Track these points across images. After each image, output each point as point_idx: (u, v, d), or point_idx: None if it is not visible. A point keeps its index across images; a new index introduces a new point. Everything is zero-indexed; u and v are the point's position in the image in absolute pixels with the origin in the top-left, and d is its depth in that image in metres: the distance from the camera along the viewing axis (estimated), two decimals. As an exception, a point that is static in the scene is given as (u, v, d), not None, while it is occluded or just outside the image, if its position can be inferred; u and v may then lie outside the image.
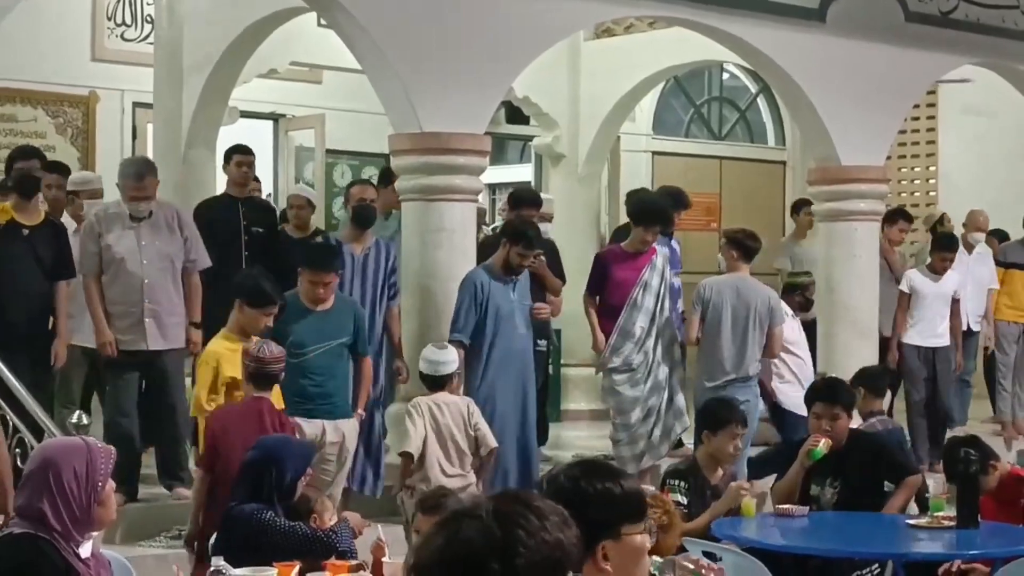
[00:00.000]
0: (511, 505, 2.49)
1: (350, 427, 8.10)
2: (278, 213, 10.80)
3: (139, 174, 8.41)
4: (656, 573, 3.43)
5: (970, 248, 12.34)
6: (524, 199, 10.32)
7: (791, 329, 10.03)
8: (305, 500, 6.17)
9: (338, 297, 8.17)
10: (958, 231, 12.71)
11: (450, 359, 8.03)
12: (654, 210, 9.73)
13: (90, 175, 10.01)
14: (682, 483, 7.23)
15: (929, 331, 11.28)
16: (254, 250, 9.45)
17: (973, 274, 12.11)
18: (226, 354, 7.34)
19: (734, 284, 9.59)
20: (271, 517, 5.90)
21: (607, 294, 9.53)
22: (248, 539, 5.76)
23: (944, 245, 11.41)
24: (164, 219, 8.47)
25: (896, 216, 12.11)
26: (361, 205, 9.02)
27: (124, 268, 8.36)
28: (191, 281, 8.57)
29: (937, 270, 11.31)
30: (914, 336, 11.26)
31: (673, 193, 11.00)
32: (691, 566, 3.41)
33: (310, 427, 7.74)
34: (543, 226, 10.20)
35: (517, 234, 8.88)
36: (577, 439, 11.49)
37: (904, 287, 11.32)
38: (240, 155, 10.16)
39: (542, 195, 11.02)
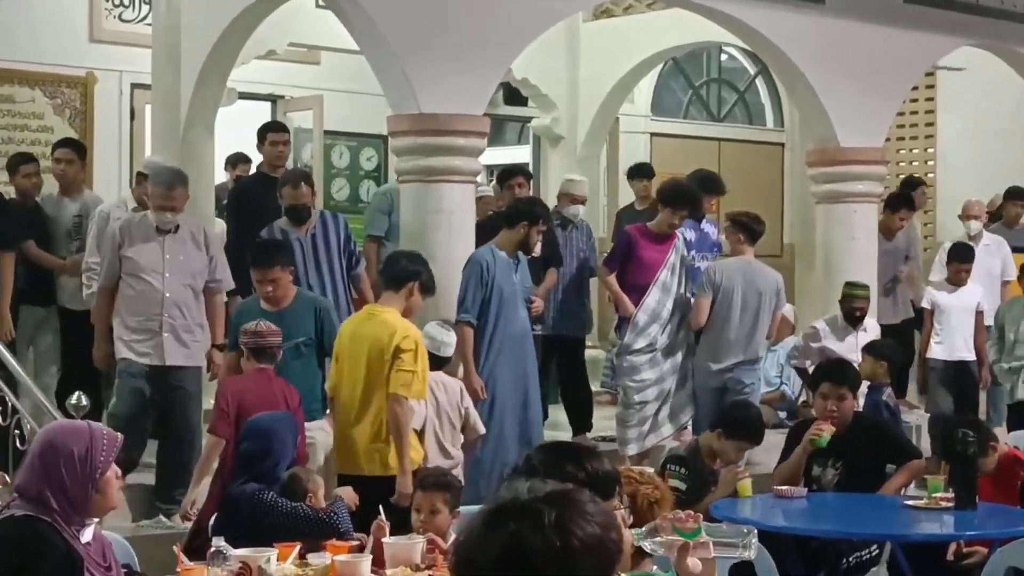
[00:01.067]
0: (571, 512, 2.47)
1: (318, 429, 7.65)
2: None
3: (170, 184, 8.16)
4: (640, 542, 3.44)
5: (976, 240, 11.84)
6: (511, 171, 10.45)
7: (849, 346, 9.98)
8: (299, 480, 6.17)
9: (299, 294, 7.87)
10: (952, 212, 12.58)
11: (453, 341, 8.04)
12: (682, 193, 9.72)
13: (160, 160, 9.61)
14: (682, 469, 7.25)
15: (954, 346, 10.96)
16: None
17: (983, 266, 11.55)
18: None
19: (742, 268, 9.60)
20: (272, 498, 5.92)
21: (631, 272, 9.50)
22: (251, 520, 5.77)
23: (959, 255, 11.05)
24: (191, 234, 8.24)
25: (899, 204, 11.84)
26: (294, 208, 8.75)
27: (145, 280, 8.11)
28: (214, 301, 8.33)
29: (955, 282, 11.01)
30: (939, 352, 10.96)
31: (704, 178, 10.96)
32: (670, 524, 3.42)
33: None
34: (575, 208, 10.17)
35: (534, 215, 8.85)
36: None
37: (926, 303, 11.07)
38: (274, 133, 10.21)
39: (575, 177, 10.85)
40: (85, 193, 9.88)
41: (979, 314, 11.05)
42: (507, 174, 10.53)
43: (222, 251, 8.45)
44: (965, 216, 12.11)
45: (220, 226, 10.11)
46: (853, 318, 10.13)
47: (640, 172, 12.33)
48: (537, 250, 8.94)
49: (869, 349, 9.42)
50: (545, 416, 10.01)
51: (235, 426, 6.90)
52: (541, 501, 2.48)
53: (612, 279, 9.55)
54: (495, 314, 8.60)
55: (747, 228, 9.71)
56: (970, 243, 11.53)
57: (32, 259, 9.35)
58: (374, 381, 7.26)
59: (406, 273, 7.53)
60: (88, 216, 9.50)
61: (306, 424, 7.30)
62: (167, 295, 8.09)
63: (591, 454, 3.45)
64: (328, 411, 7.58)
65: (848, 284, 10.27)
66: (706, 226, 10.35)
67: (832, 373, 7.76)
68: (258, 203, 9.42)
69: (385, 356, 7.21)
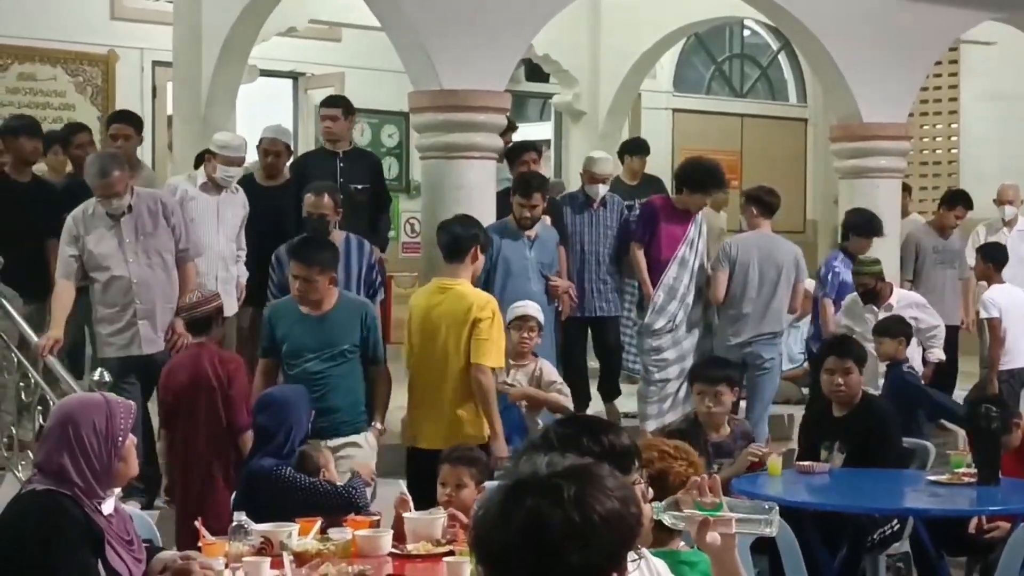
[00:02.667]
0: (591, 486, 2.47)
1: (364, 443, 7.21)
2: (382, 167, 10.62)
3: (102, 171, 7.67)
4: (660, 515, 3.42)
5: (1010, 225, 11.61)
6: (522, 147, 10.33)
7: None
8: (310, 457, 6.17)
9: (342, 299, 7.26)
10: (975, 188, 12.45)
11: None
12: (709, 174, 9.69)
13: (229, 138, 9.09)
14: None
15: (1017, 351, 10.51)
16: (353, 205, 8.84)
17: (1016, 253, 11.16)
18: None
19: (758, 241, 9.57)
20: (291, 473, 5.92)
21: (653, 246, 9.48)
22: (273, 496, 5.78)
23: (993, 256, 10.63)
24: (147, 211, 7.81)
25: (956, 200, 11.47)
26: (315, 219, 8.12)
27: (109, 270, 7.77)
28: (184, 270, 7.92)
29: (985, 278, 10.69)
30: (1004, 361, 10.49)
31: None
32: (691, 499, 3.40)
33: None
34: (595, 187, 9.84)
35: (516, 183, 8.97)
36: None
37: (993, 312, 10.43)
38: (324, 108, 9.99)
39: (597, 155, 10.30)
40: (144, 170, 9.59)
41: None
42: (517, 150, 10.31)
43: (183, 218, 8.02)
44: (999, 201, 11.79)
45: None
46: (866, 296, 9.72)
47: (638, 149, 11.99)
48: (537, 229, 8.93)
49: (880, 331, 9.07)
50: (588, 399, 9.92)
51: (172, 414, 7.09)
52: (560, 476, 2.48)
53: (640, 254, 9.52)
54: (500, 286, 8.60)
55: (761, 201, 9.68)
56: (1003, 231, 11.39)
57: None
58: (453, 354, 7.28)
59: (467, 240, 7.48)
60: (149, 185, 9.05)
61: (352, 437, 7.10)
62: (134, 281, 7.76)
63: (609, 427, 3.42)
64: (373, 423, 7.27)
65: (857, 260, 9.92)
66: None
67: (836, 347, 7.72)
68: (316, 177, 9.04)
69: (464, 328, 7.25)
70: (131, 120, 9.59)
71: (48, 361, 7.67)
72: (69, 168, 9.53)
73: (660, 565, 3.49)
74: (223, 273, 8.77)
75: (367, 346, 7.20)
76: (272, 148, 9.43)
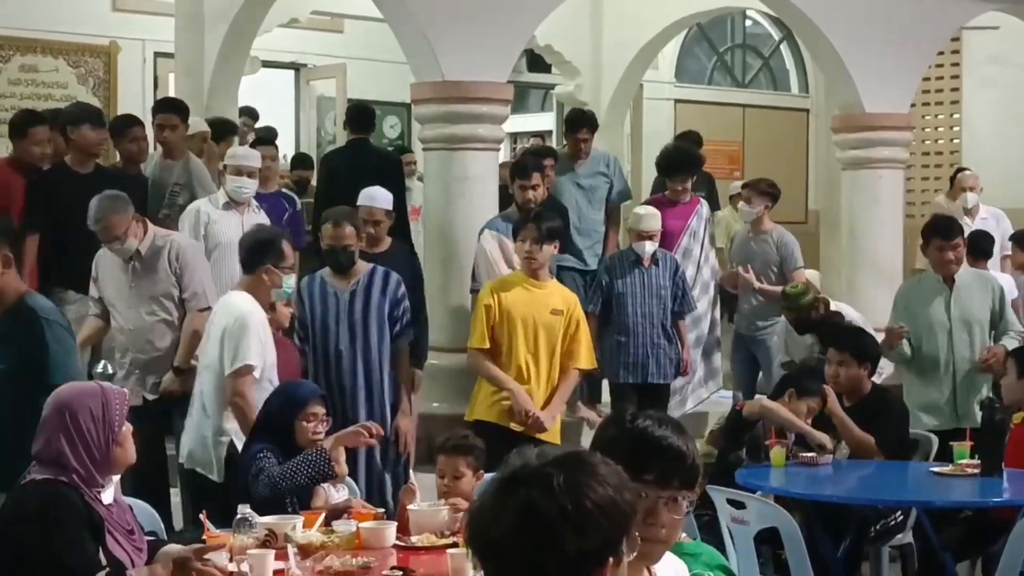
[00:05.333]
0: (582, 474, 2.47)
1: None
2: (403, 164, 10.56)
3: (95, 217, 7.25)
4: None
5: (972, 214, 11.42)
6: (542, 152, 10.29)
7: None
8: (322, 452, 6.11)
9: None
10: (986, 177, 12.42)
11: None
12: (678, 161, 9.71)
13: (237, 148, 8.63)
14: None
15: None
16: None
17: None
18: None
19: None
20: (260, 463, 5.78)
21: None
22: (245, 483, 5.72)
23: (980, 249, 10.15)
24: (157, 253, 7.34)
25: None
26: (333, 251, 7.40)
27: (115, 314, 7.45)
28: (186, 321, 7.35)
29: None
30: None
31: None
32: None
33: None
34: (642, 245, 9.37)
35: (512, 168, 8.91)
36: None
37: None
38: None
39: (641, 211, 9.26)
40: (191, 161, 9.27)
41: None
42: (537, 154, 10.21)
43: (196, 264, 7.44)
44: (959, 189, 11.68)
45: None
46: (804, 329, 8.95)
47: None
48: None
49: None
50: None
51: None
52: (550, 465, 2.48)
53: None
54: None
55: (773, 196, 9.79)
56: (965, 219, 11.16)
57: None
58: (546, 349, 7.38)
59: (557, 229, 7.52)
60: (189, 187, 8.95)
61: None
62: (129, 328, 7.39)
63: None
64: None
65: (785, 294, 9.13)
66: None
67: (834, 338, 7.71)
68: (349, 170, 9.02)
69: (559, 325, 7.36)
70: (176, 108, 9.38)
71: None
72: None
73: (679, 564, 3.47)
74: None
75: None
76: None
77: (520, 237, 7.47)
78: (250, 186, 8.25)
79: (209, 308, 7.19)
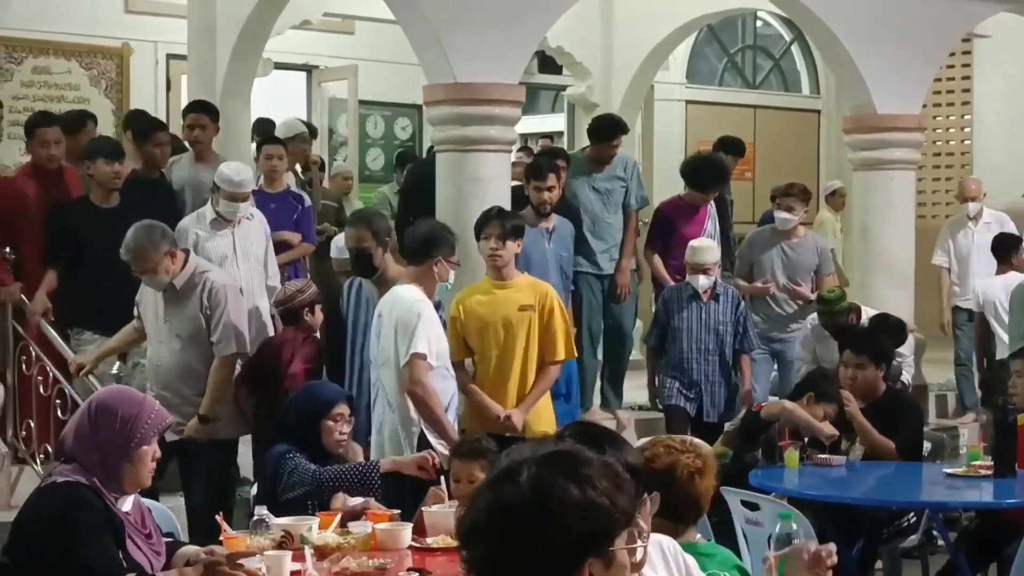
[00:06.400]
0: (553, 470, 2.42)
1: None
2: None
3: (127, 247, 7.09)
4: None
5: (975, 220, 11.53)
6: (555, 153, 10.33)
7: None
8: (340, 458, 6.13)
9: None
10: (988, 179, 12.42)
11: None
12: (712, 173, 9.85)
13: (232, 171, 8.15)
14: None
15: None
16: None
17: (985, 248, 11.20)
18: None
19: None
20: (295, 462, 5.82)
21: (673, 250, 9.59)
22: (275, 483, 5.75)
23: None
24: (191, 290, 7.17)
25: None
26: (351, 251, 7.42)
27: (149, 345, 7.38)
28: (213, 367, 7.18)
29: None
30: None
31: (729, 142, 11.35)
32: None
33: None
34: (696, 279, 9.16)
35: (528, 169, 8.94)
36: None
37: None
38: None
39: (697, 244, 9.11)
40: (222, 160, 9.17)
41: None
42: (550, 155, 10.25)
43: (228, 305, 7.18)
44: (963, 198, 11.69)
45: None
46: (842, 330, 8.82)
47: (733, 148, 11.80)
48: (554, 221, 8.88)
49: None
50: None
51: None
52: (528, 461, 2.44)
53: (656, 260, 9.65)
54: None
55: (808, 202, 9.98)
56: (969, 226, 11.38)
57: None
58: (520, 347, 7.32)
59: (520, 227, 7.51)
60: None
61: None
62: (156, 363, 7.28)
63: (617, 442, 3.33)
64: None
65: (822, 299, 9.23)
66: None
67: (852, 341, 7.72)
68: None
69: (531, 320, 7.28)
70: (207, 109, 9.39)
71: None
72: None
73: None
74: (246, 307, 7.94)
75: None
76: (274, 152, 9.38)
77: (484, 235, 7.43)
78: (243, 209, 8.11)
79: (236, 355, 7.16)
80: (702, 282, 8.71)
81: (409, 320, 6.58)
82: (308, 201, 9.59)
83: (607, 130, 9.78)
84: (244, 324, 7.28)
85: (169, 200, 8.82)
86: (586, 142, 13.72)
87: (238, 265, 8.09)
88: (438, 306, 7.02)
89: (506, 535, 2.38)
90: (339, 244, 8.18)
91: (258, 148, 9.79)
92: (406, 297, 6.68)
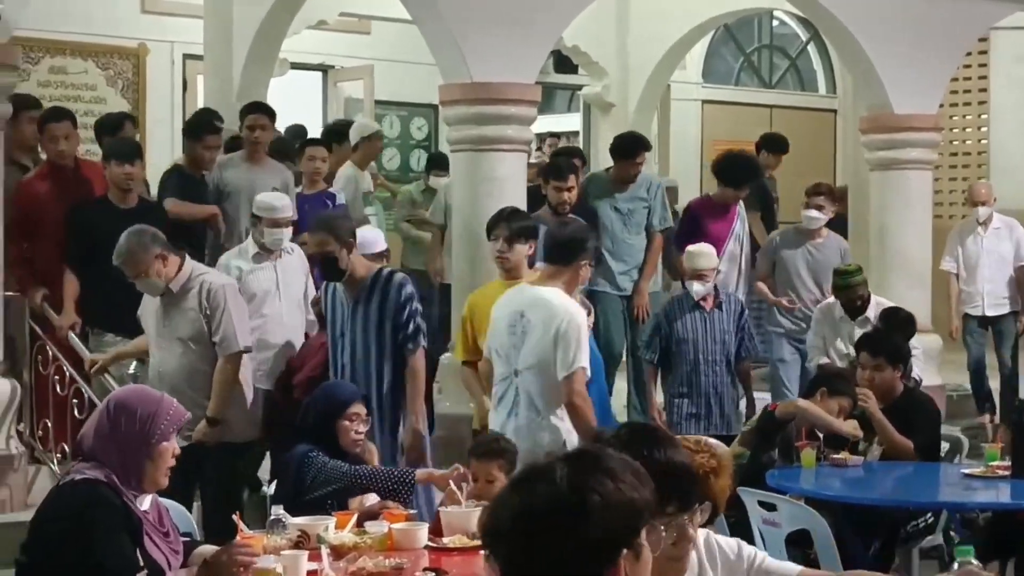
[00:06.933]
0: (586, 468, 2.47)
1: None
2: None
3: (118, 252, 7.03)
4: None
5: (985, 225, 11.30)
6: (571, 152, 10.31)
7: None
8: (356, 457, 6.14)
9: None
10: (1005, 180, 12.37)
11: None
12: (744, 170, 9.83)
13: (272, 199, 8.09)
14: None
15: None
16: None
17: (994, 252, 11.17)
18: None
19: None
20: (323, 460, 5.83)
21: None
22: (303, 483, 5.77)
23: None
24: (187, 292, 7.05)
25: None
26: (320, 258, 7.28)
27: (152, 353, 7.27)
28: (218, 368, 7.05)
29: None
30: None
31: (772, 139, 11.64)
32: None
33: None
34: (695, 285, 8.78)
35: (547, 169, 8.89)
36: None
37: None
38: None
39: (695, 249, 8.84)
40: (274, 163, 9.31)
41: None
42: (565, 154, 10.25)
43: (228, 305, 7.04)
44: (973, 202, 11.49)
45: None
46: (855, 311, 8.99)
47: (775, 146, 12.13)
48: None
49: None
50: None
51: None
52: (559, 460, 2.49)
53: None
54: None
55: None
56: (979, 231, 11.26)
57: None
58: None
59: (529, 228, 7.41)
60: (286, 188, 8.86)
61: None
62: (159, 369, 7.16)
63: (672, 443, 3.33)
64: None
65: (839, 271, 9.21)
66: None
67: (868, 343, 7.69)
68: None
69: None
70: (265, 110, 9.39)
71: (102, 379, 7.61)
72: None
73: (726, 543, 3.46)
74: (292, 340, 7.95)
75: None
76: (318, 155, 9.51)
77: (492, 235, 7.40)
78: (287, 235, 7.97)
79: (240, 352, 7.05)
80: (697, 288, 8.47)
81: (571, 331, 6.38)
82: (341, 199, 9.60)
83: (628, 148, 9.62)
84: (245, 322, 7.19)
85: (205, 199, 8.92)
86: (601, 142, 13.79)
87: (280, 300, 7.94)
88: None
89: (545, 534, 2.41)
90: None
91: (300, 150, 9.76)
92: (562, 305, 6.44)
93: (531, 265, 7.44)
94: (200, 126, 9.24)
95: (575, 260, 6.55)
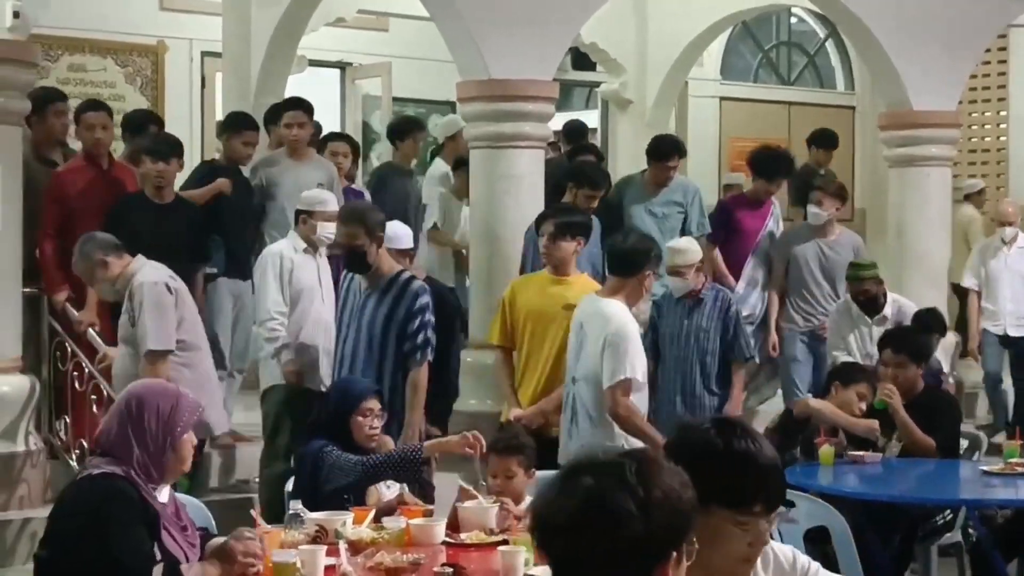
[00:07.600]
0: (648, 466, 2.51)
1: None
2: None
3: (73, 266, 7.15)
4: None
5: (1010, 244, 11.19)
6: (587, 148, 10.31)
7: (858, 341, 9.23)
8: (372, 452, 6.14)
9: None
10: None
11: None
12: (779, 163, 9.83)
13: (317, 194, 8.07)
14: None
15: None
16: None
17: (1017, 271, 11.10)
18: None
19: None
20: (336, 455, 5.83)
21: (734, 245, 9.54)
22: (320, 477, 5.77)
23: None
24: (125, 294, 6.99)
25: None
26: (347, 251, 7.18)
27: None
28: (140, 369, 6.87)
29: None
30: None
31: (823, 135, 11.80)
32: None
33: None
34: (675, 281, 8.32)
35: (579, 176, 8.80)
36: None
37: None
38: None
39: (675, 244, 8.33)
40: (318, 157, 9.36)
41: None
42: (581, 150, 10.25)
43: (148, 303, 6.89)
44: (1000, 222, 11.41)
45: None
46: (867, 305, 8.91)
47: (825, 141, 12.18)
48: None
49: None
50: None
51: None
52: (622, 456, 2.54)
53: (716, 253, 9.53)
54: None
55: (844, 198, 9.80)
56: (1004, 250, 11.17)
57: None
58: (550, 344, 7.21)
59: (576, 224, 7.37)
60: (331, 188, 8.75)
61: None
62: (115, 373, 7.15)
63: (757, 437, 3.22)
64: None
65: (853, 264, 9.13)
66: None
67: (892, 340, 7.67)
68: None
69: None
70: (303, 106, 9.34)
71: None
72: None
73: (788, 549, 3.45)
74: (327, 344, 7.63)
75: None
76: (341, 150, 9.64)
77: (540, 232, 7.41)
78: (335, 229, 7.56)
79: (158, 352, 6.84)
80: (676, 285, 8.00)
81: (620, 343, 6.42)
82: (367, 195, 9.66)
83: (664, 151, 9.54)
84: (168, 320, 6.96)
85: (246, 192, 8.99)
86: (620, 138, 13.79)
87: (323, 298, 7.81)
88: None
89: (607, 528, 2.44)
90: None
91: (322, 145, 9.80)
92: (617, 317, 6.49)
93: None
94: (239, 121, 9.31)
95: (639, 271, 6.60)
